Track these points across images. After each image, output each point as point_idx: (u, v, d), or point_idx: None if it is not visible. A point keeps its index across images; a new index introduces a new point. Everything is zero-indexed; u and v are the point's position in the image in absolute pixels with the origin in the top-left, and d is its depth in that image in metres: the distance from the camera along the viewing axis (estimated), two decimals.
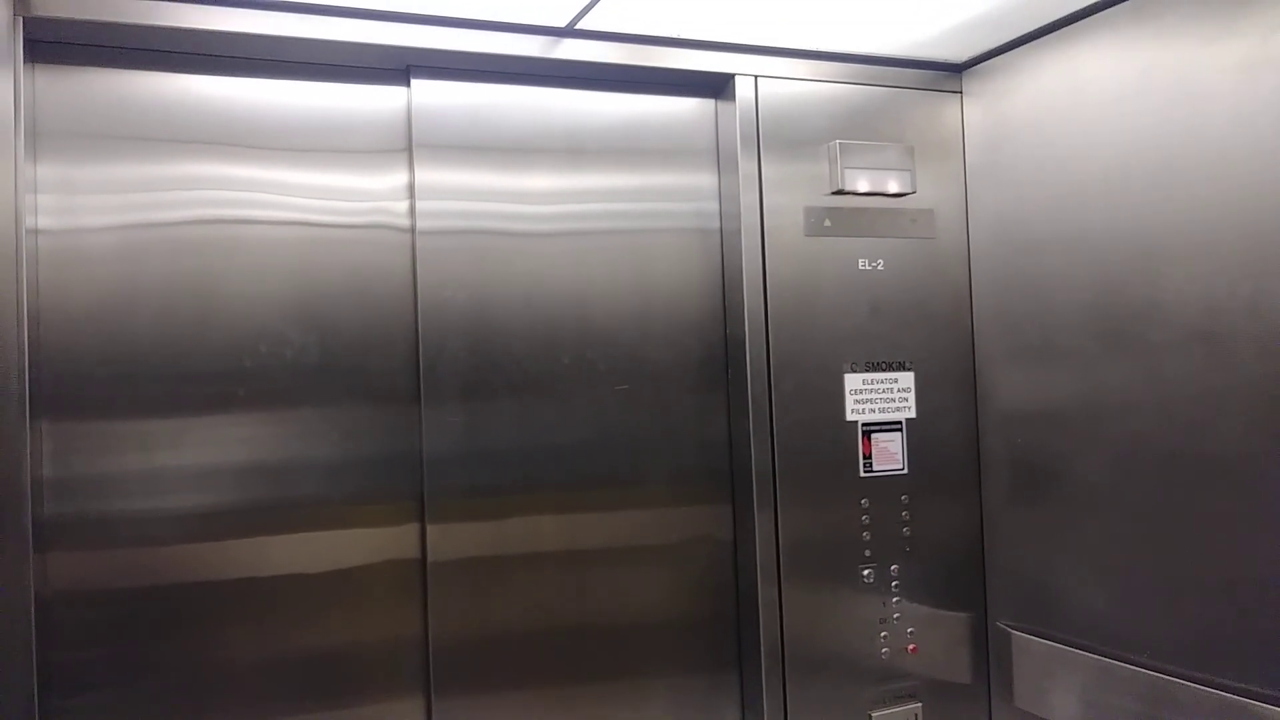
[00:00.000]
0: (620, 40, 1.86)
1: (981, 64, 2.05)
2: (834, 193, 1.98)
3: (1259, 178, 1.47)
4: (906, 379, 2.03)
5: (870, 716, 1.96)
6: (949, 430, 2.06)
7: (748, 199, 1.94)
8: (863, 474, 1.99)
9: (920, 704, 2.00)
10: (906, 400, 2.03)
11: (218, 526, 1.66)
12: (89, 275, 1.60)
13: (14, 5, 1.50)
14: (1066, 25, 1.82)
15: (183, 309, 1.66)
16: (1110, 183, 1.73)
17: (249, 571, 1.68)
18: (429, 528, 1.78)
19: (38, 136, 1.59)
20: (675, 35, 1.87)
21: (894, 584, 2.00)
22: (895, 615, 2.00)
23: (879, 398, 2.00)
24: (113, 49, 1.64)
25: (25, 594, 1.48)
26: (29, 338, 1.53)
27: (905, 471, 2.02)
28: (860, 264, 2.00)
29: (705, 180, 2.01)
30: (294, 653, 1.70)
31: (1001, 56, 1.99)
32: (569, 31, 1.81)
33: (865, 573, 1.98)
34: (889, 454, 2.00)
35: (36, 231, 1.58)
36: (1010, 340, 1.98)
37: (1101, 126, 1.75)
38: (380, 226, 1.79)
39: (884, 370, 2.01)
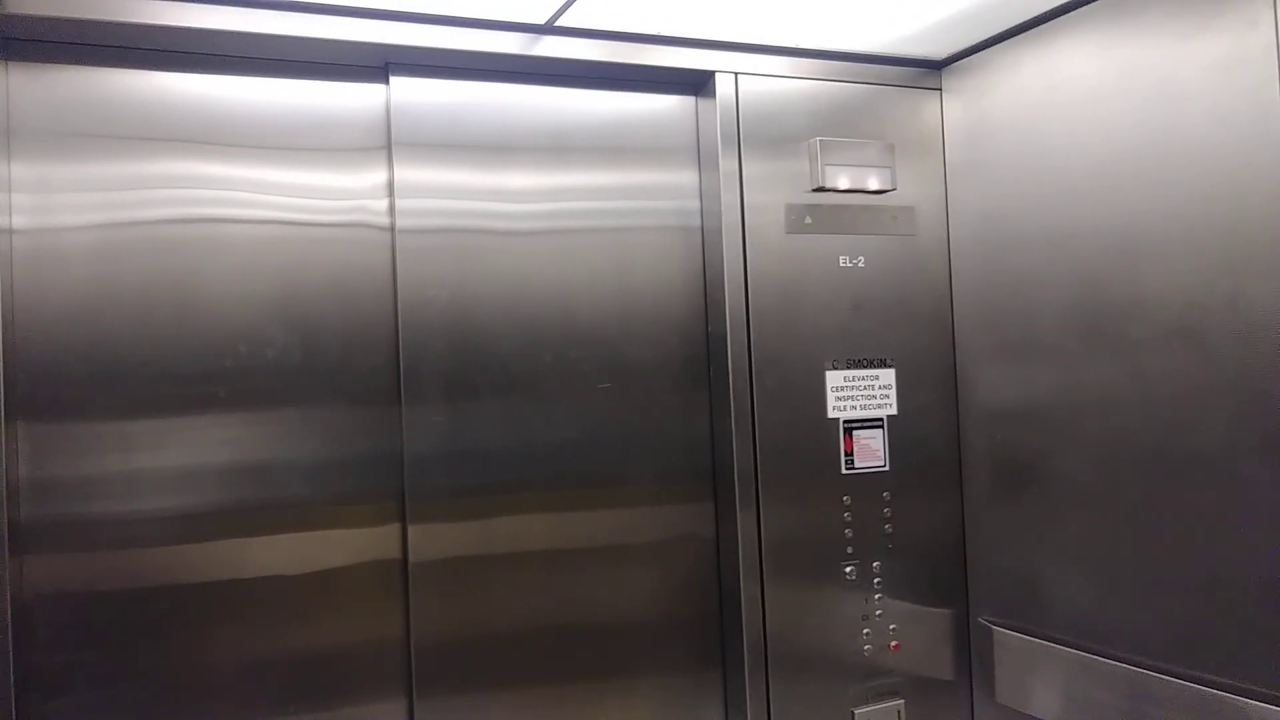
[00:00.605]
0: (600, 37, 1.85)
1: (961, 61, 2.05)
2: (815, 190, 1.98)
3: (1237, 175, 1.48)
4: (888, 376, 2.03)
5: (854, 713, 1.96)
6: (930, 427, 2.07)
7: (729, 196, 1.93)
8: (844, 471, 1.99)
9: (903, 700, 2.00)
10: (888, 397, 2.03)
11: (197, 528, 1.65)
12: (65, 275, 1.59)
13: None
14: (1045, 22, 1.82)
15: (161, 309, 1.64)
16: (1090, 179, 1.74)
17: (229, 573, 1.66)
18: (410, 528, 1.77)
19: (11, 135, 1.57)
20: (655, 32, 1.87)
21: (876, 581, 2.00)
22: (878, 612, 2.00)
23: (860, 395, 2.00)
24: (88, 46, 1.62)
25: (1, 597, 1.46)
26: (3, 338, 1.51)
27: (887, 468, 2.02)
28: (841, 261, 2.00)
29: (686, 178, 2.01)
30: (275, 654, 1.69)
31: (981, 53, 1.99)
32: (548, 29, 1.80)
33: (848, 570, 1.98)
34: (871, 451, 2.00)
35: (10, 231, 1.56)
36: (991, 337, 1.99)
37: (1080, 123, 1.75)
38: (360, 225, 1.78)
39: (865, 367, 2.01)
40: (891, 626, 2.01)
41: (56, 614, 1.56)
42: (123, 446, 1.61)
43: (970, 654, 2.08)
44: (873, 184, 2.00)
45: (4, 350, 1.51)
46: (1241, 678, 1.49)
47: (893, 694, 2.01)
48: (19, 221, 1.57)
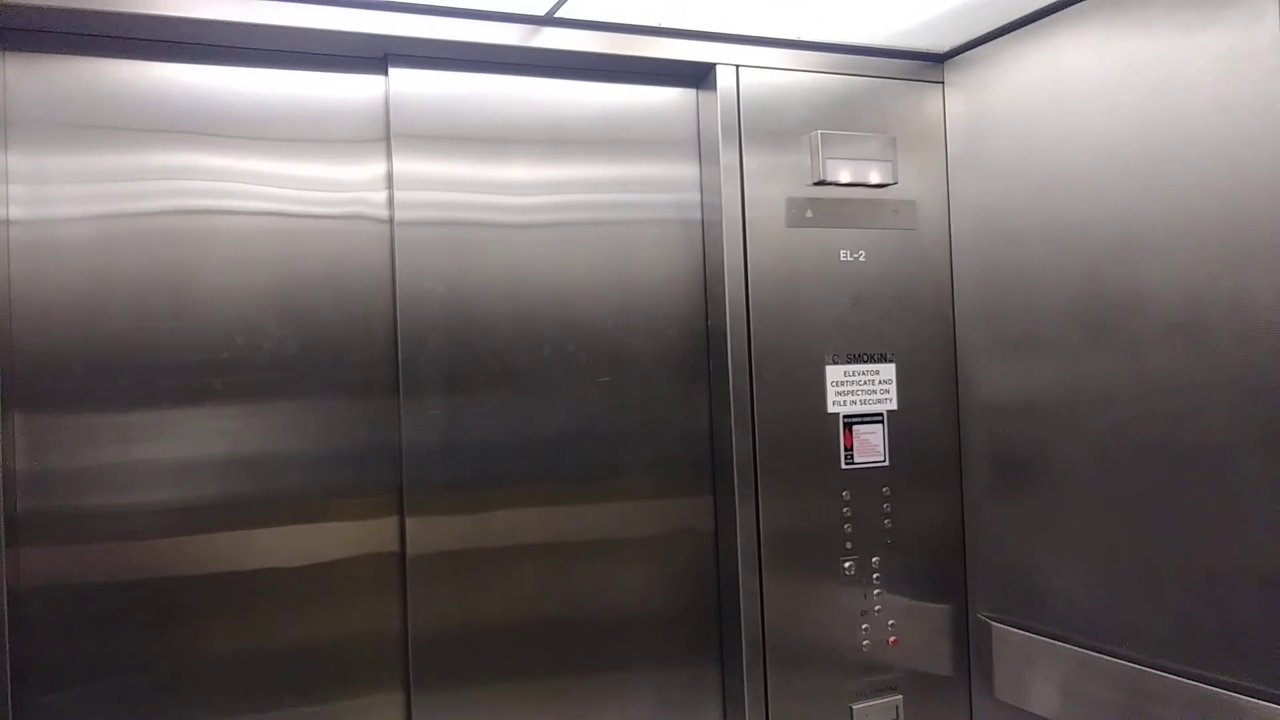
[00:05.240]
0: (600, 29, 1.84)
1: (963, 54, 2.04)
2: (816, 183, 1.97)
3: (1240, 170, 1.47)
4: (888, 371, 2.02)
5: (852, 709, 1.96)
6: (930, 422, 2.06)
7: (729, 190, 1.93)
8: (844, 466, 1.98)
9: (901, 696, 2.00)
10: (888, 392, 2.02)
11: (194, 520, 1.64)
12: (62, 266, 1.59)
13: None
14: (1048, 15, 1.81)
15: (158, 301, 1.64)
16: (1092, 174, 1.73)
17: (226, 566, 1.66)
18: (408, 521, 1.77)
19: (8, 125, 1.57)
20: (656, 24, 1.86)
21: (875, 576, 1.99)
22: (876, 607, 2.00)
23: (860, 389, 1.99)
24: (85, 36, 1.62)
25: None
26: (0, 330, 1.51)
27: (886, 463, 2.01)
28: (842, 255, 1.99)
29: (687, 171, 2.00)
30: (272, 647, 1.69)
31: (983, 46, 1.98)
32: (548, 20, 1.79)
33: (846, 565, 1.97)
34: (870, 446, 2.00)
35: (8, 222, 1.56)
36: (992, 331, 1.98)
37: (1083, 117, 1.74)
38: (358, 217, 1.77)
39: (865, 362, 2.00)
40: (890, 622, 2.01)
41: (53, 606, 1.56)
42: (120, 438, 1.61)
43: (969, 650, 2.07)
44: (874, 177, 1.99)
45: (1, 342, 1.51)
46: (1241, 675, 1.49)
47: (891, 689, 2.00)
48: (16, 213, 1.56)
